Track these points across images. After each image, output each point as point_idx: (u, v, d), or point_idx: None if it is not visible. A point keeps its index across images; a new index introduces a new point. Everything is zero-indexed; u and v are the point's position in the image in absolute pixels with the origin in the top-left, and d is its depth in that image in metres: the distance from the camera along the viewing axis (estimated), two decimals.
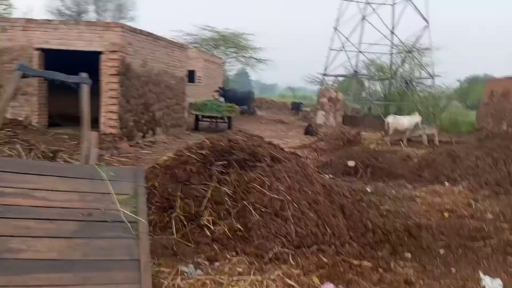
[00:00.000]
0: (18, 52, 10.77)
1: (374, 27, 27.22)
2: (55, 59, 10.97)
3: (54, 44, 10.54)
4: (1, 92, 6.08)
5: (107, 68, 10.32)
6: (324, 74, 31.79)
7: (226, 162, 5.45)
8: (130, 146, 11.07)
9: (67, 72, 4.25)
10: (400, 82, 29.81)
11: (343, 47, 29.18)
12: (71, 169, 3.68)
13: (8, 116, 10.99)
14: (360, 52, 30.37)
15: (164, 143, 12.73)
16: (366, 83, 33.85)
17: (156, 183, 4.89)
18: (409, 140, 15.52)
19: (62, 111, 12.60)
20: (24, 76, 4.08)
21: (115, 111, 10.47)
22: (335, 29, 30.81)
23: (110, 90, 10.40)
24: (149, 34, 11.88)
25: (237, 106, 17.87)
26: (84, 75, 4.34)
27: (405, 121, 15.31)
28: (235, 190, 4.88)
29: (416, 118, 15.67)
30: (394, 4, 29.67)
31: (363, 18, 27.16)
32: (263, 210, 4.67)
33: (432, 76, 27.26)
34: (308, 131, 17.64)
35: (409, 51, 28.80)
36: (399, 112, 29.27)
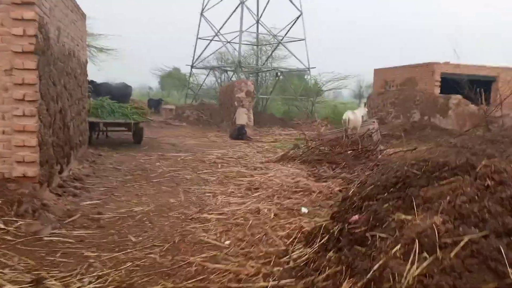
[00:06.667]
0: None
1: (252, 14, 24.67)
2: None
3: None
4: None
5: (10, 38, 4.83)
6: (192, 66, 27.91)
7: None
8: (58, 196, 5.69)
9: None
10: (274, 74, 28.32)
11: (217, 35, 25.84)
12: None
13: None
14: (229, 42, 27.67)
15: (87, 175, 7.36)
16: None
17: None
18: None
19: None
20: None
21: (32, 130, 5.04)
22: (202, 15, 27.24)
23: (19, 85, 4.93)
24: None
25: (147, 108, 12.89)
26: None
27: (359, 116, 13.21)
28: None
29: (363, 111, 13.74)
30: None
31: (241, 3, 24.29)
32: None
33: (308, 68, 26.43)
34: (239, 135, 13.96)
35: (279, 42, 27.34)
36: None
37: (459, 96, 15.95)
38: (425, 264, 2.38)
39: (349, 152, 9.03)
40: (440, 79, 17.27)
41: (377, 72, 21.83)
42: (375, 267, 2.68)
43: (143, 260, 3.91)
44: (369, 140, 10.99)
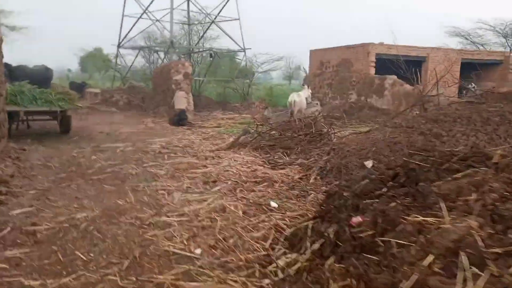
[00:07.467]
0: None
1: None
2: None
3: None
4: None
5: None
6: (119, 46, 25.97)
7: None
8: None
9: None
10: (207, 55, 27.29)
11: (145, 12, 24.15)
12: None
13: None
14: (158, 20, 26.14)
15: (12, 176, 6.24)
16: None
17: None
18: None
19: None
20: None
21: None
22: None
23: None
24: None
25: (75, 93, 11.53)
26: None
27: (304, 98, 12.97)
28: None
29: (307, 93, 13.54)
30: None
31: None
32: None
33: (244, 49, 25.75)
34: (180, 120, 13.09)
35: (213, 22, 26.29)
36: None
37: (394, 77, 16.35)
38: (480, 283, 1.98)
39: (302, 136, 8.67)
40: (375, 60, 17.59)
41: (313, 53, 21.82)
42: (407, 284, 2.24)
43: (101, 285, 3.17)
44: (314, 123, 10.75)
